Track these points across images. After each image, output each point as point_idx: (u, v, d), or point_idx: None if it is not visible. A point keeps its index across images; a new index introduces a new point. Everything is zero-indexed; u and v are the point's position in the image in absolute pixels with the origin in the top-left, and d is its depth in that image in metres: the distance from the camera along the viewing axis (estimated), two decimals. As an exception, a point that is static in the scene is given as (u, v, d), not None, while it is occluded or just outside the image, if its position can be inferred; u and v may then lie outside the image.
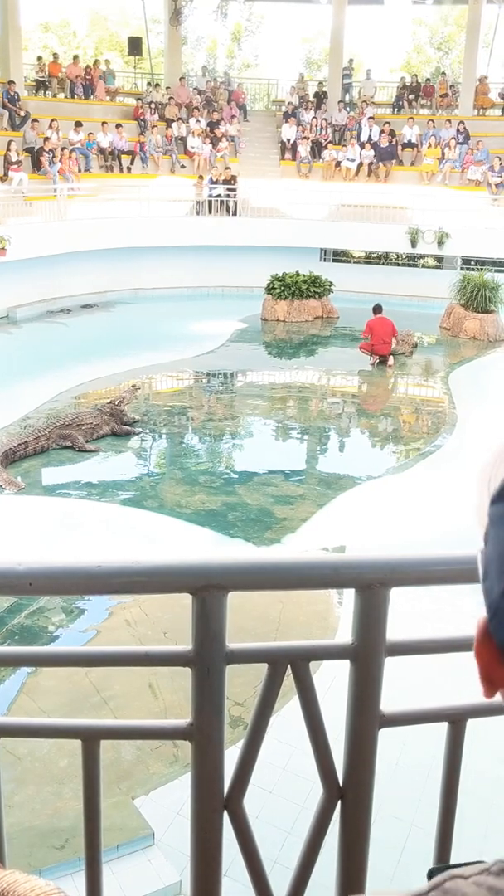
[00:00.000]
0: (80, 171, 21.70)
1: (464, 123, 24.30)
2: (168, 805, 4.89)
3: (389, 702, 1.48)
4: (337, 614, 7.11)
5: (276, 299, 19.61)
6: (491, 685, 0.72)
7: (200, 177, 23.05)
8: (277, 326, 19.37)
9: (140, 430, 12.02)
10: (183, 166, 24.01)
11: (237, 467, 11.01)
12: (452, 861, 1.08)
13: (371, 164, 24.12)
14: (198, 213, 22.64)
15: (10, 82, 22.02)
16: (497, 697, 0.77)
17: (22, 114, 21.71)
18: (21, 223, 18.51)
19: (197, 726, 1.44)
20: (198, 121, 24.82)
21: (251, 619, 6.63)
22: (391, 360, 15.87)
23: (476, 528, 0.74)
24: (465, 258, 21.75)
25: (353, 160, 24.20)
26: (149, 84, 27.06)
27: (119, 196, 21.63)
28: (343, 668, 1.47)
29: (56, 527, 8.73)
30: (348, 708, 1.47)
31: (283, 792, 4.88)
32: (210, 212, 22.64)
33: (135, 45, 29.25)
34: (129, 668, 5.09)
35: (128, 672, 5.76)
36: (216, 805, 1.46)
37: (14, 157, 19.80)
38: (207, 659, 1.40)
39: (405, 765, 4.74)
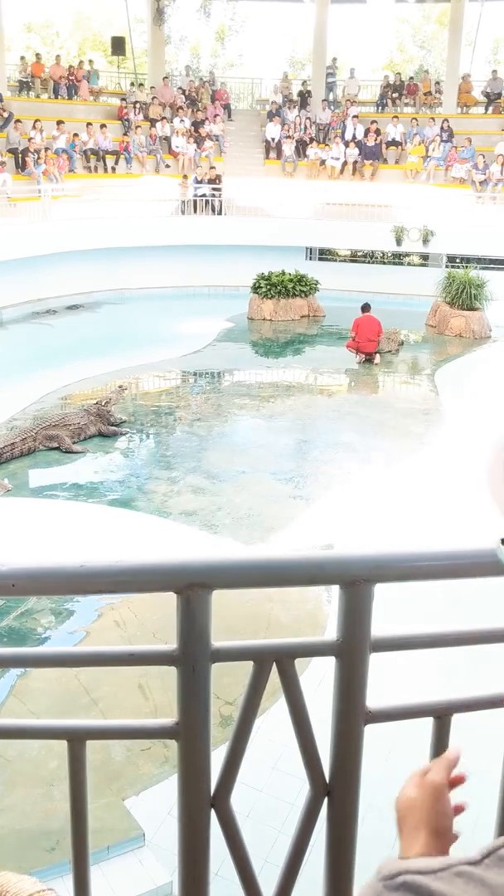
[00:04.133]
0: (64, 171, 21.63)
1: (448, 121, 24.38)
2: (158, 805, 4.88)
3: (375, 698, 1.48)
4: (326, 612, 7.12)
5: (262, 298, 19.62)
6: None
7: (185, 176, 23.02)
8: (264, 325, 19.38)
9: (127, 430, 12.00)
10: (167, 166, 23.97)
11: (224, 466, 11.00)
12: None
13: (356, 162, 24.15)
14: (183, 212, 22.60)
15: (-7, 83, 21.94)
16: (484, 692, 0.78)
17: (5, 115, 21.62)
18: (5, 224, 18.43)
19: (183, 725, 1.43)
20: (182, 120, 24.79)
21: (240, 619, 6.63)
22: (377, 358, 15.91)
23: (497, 514, 0.78)
24: (451, 256, 21.82)
25: (337, 159, 24.23)
26: (132, 84, 26.99)
27: (104, 196, 21.57)
28: (331, 665, 1.47)
29: (43, 528, 8.70)
30: (334, 704, 1.47)
31: (272, 790, 4.88)
32: (195, 211, 22.61)
33: (118, 45, 29.14)
34: (117, 668, 5.08)
35: (117, 673, 5.75)
36: (203, 804, 1.46)
37: (-3, 158, 19.71)
38: (192, 658, 1.40)
39: (393, 761, 4.75)
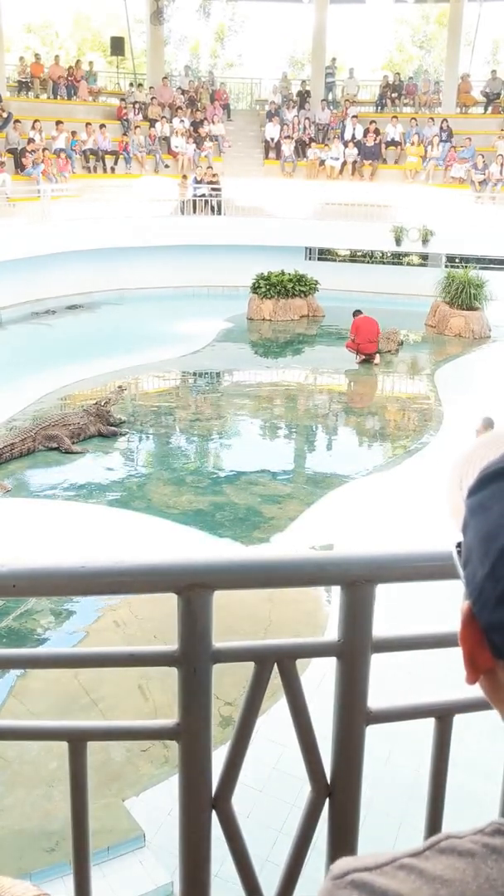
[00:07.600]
0: (64, 172, 21.62)
1: (447, 121, 24.37)
2: (159, 806, 4.88)
3: (376, 698, 1.48)
4: (326, 612, 7.11)
5: (261, 298, 19.61)
6: (474, 669, 0.74)
7: (184, 176, 23.03)
8: (263, 325, 19.37)
9: (126, 430, 11.99)
10: (167, 166, 23.97)
11: (224, 467, 11.00)
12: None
13: (355, 162, 24.16)
14: (182, 212, 22.60)
15: (-8, 83, 21.93)
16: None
17: (4, 115, 21.60)
18: (5, 225, 18.43)
19: (184, 726, 1.43)
20: (181, 120, 24.78)
21: (240, 619, 6.62)
22: (377, 359, 15.91)
23: (452, 525, 0.77)
24: (450, 255, 21.82)
25: (336, 159, 24.23)
26: (131, 84, 26.98)
27: (103, 196, 21.57)
28: (332, 665, 1.47)
29: (43, 528, 8.69)
30: (335, 705, 1.46)
31: (273, 791, 4.88)
32: (194, 211, 22.61)
33: (117, 45, 29.12)
34: (118, 669, 5.08)
35: (117, 673, 5.75)
36: (204, 805, 1.46)
37: (-3, 159, 19.71)
38: (193, 658, 1.39)
39: (394, 761, 4.75)
